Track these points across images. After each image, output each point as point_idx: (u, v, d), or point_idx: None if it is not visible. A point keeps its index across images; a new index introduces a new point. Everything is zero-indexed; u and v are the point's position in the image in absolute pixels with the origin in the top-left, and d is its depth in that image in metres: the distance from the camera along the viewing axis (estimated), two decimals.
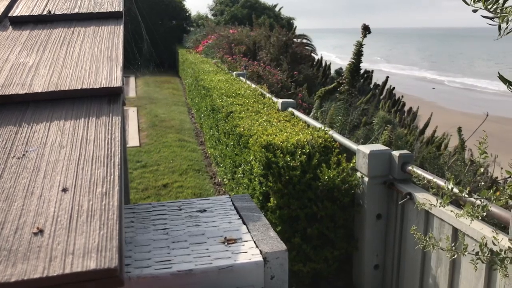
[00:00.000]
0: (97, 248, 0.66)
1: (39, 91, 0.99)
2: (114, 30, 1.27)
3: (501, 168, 3.62)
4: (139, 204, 1.21)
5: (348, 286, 3.20)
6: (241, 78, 7.05)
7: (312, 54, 13.34)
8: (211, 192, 5.33)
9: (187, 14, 20.22)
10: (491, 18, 1.23)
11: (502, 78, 1.36)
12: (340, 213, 2.96)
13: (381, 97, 8.64)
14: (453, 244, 1.90)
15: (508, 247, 1.47)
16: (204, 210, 1.10)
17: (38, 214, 0.73)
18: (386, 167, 2.83)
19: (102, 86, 0.99)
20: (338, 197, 2.92)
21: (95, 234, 0.68)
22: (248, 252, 0.91)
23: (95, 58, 1.11)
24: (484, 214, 1.55)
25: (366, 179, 2.86)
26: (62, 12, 1.37)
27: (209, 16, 21.55)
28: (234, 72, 7.63)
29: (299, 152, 3.00)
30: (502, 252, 1.51)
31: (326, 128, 3.51)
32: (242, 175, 3.77)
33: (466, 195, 1.61)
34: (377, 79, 10.21)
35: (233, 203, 1.14)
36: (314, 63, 12.15)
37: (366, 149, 2.86)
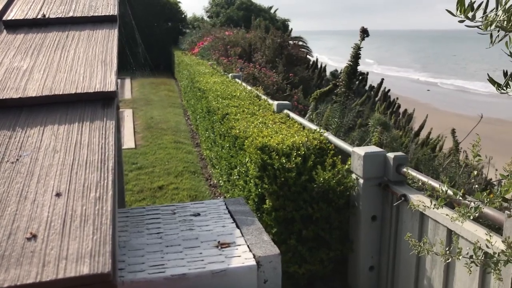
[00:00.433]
0: (91, 253, 0.66)
1: (33, 95, 0.99)
2: (109, 34, 1.27)
3: (496, 170, 3.64)
4: (133, 208, 1.21)
5: (343, 287, 3.21)
6: (236, 80, 7.06)
7: (308, 56, 13.37)
8: (206, 194, 5.33)
9: (183, 16, 20.23)
10: (475, 27, 1.24)
11: (491, 80, 1.37)
12: (335, 215, 2.97)
13: (376, 99, 8.67)
14: (447, 248, 1.90)
15: (502, 250, 1.48)
16: (198, 214, 1.11)
17: (31, 219, 0.73)
18: (381, 169, 2.84)
19: (96, 90, 0.99)
20: (333, 199, 2.93)
21: (88, 239, 0.68)
22: (242, 256, 0.91)
23: (89, 62, 1.11)
24: (477, 215, 1.56)
25: (361, 180, 2.88)
26: (57, 16, 1.37)
27: (205, 18, 21.56)
28: (230, 74, 7.63)
29: (295, 154, 3.01)
30: (496, 255, 1.52)
31: (322, 130, 3.52)
32: (237, 177, 3.78)
33: (460, 197, 1.62)
34: (372, 81, 10.25)
35: (227, 207, 1.15)
36: (310, 65, 12.17)
37: (361, 151, 2.87)
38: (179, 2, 20.48)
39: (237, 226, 1.03)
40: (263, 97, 5.31)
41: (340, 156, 3.13)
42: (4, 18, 1.38)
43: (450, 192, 1.64)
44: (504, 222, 1.93)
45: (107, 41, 1.23)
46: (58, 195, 0.77)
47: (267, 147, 3.08)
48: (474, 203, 1.56)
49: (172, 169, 6.10)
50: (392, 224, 2.83)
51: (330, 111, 4.76)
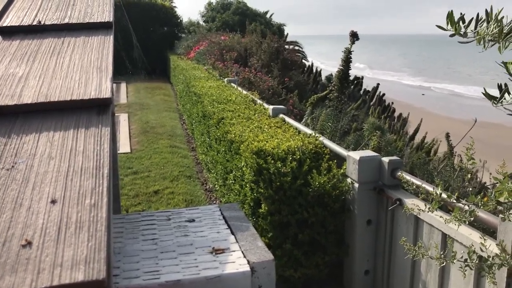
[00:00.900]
0: (85, 260, 0.66)
1: (29, 102, 1.00)
2: (104, 40, 1.27)
3: (490, 174, 3.66)
4: (129, 214, 1.21)
5: None
6: (232, 84, 7.07)
7: (303, 61, 13.42)
8: (202, 199, 5.32)
9: (179, 21, 20.23)
10: (467, 42, 1.26)
11: (487, 95, 1.38)
12: (330, 219, 2.98)
13: (371, 103, 8.71)
14: (442, 252, 1.92)
15: (496, 254, 1.49)
16: (193, 220, 1.11)
17: (26, 226, 0.73)
18: (376, 173, 2.85)
19: (91, 97, 1.00)
20: (328, 203, 2.94)
21: (83, 246, 0.68)
22: (236, 262, 0.92)
23: (84, 68, 1.12)
24: (472, 219, 1.57)
25: (356, 185, 2.89)
26: (53, 23, 1.37)
27: (201, 22, 21.58)
28: (225, 79, 7.65)
29: (290, 158, 3.02)
30: (490, 258, 1.53)
31: (317, 134, 3.54)
32: (233, 181, 3.78)
33: (454, 201, 1.63)
34: (367, 85, 10.29)
35: (221, 213, 1.15)
36: (305, 69, 12.21)
37: (356, 155, 2.88)
38: (175, 7, 20.51)
39: (232, 232, 1.03)
40: (259, 101, 5.32)
41: (335, 161, 3.14)
42: None
43: (444, 195, 1.65)
44: (498, 226, 1.95)
45: (103, 48, 1.23)
46: (53, 202, 0.77)
47: (263, 151, 3.09)
48: (469, 206, 1.58)
49: (167, 173, 6.09)
50: (387, 228, 2.84)
51: (325, 115, 4.78)
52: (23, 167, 0.85)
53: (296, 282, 3.04)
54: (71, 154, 0.88)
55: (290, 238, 2.95)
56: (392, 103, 9.07)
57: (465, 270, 1.59)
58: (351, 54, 4.76)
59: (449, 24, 1.32)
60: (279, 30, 19.53)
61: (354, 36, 4.65)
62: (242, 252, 0.96)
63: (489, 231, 2.25)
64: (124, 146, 7.37)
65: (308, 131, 3.70)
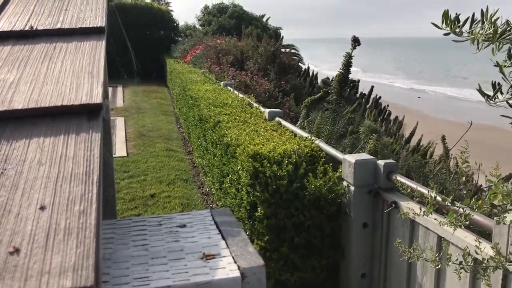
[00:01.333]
0: (74, 267, 0.65)
1: (19, 108, 0.99)
2: (96, 45, 1.27)
3: (485, 176, 3.67)
4: (120, 220, 1.21)
5: None
6: (228, 88, 7.07)
7: (300, 64, 13.44)
8: (198, 202, 5.31)
9: (175, 24, 20.25)
10: (461, 41, 1.27)
11: (481, 91, 1.39)
12: (327, 222, 2.98)
13: (367, 106, 8.73)
14: (437, 254, 1.91)
15: (491, 256, 1.49)
16: (184, 225, 1.11)
17: (14, 233, 0.72)
18: (372, 176, 2.86)
19: (82, 102, 0.99)
20: (325, 206, 2.94)
21: (71, 252, 0.68)
22: (226, 268, 0.91)
23: (76, 74, 1.11)
24: (467, 222, 1.57)
25: (352, 188, 2.89)
26: (45, 28, 1.37)
27: (197, 26, 21.60)
28: (222, 82, 7.65)
29: (286, 161, 3.02)
30: (485, 261, 1.53)
31: (313, 138, 3.54)
32: (229, 184, 3.77)
33: (449, 204, 1.63)
34: (363, 88, 10.32)
35: (213, 218, 1.15)
36: (301, 72, 12.23)
37: (351, 158, 2.89)
38: (172, 10, 20.54)
39: (223, 237, 1.03)
40: (255, 104, 5.32)
41: (331, 164, 3.14)
42: None
43: (439, 198, 1.65)
44: (493, 229, 1.95)
45: (95, 53, 1.23)
46: (42, 208, 0.76)
47: (259, 155, 3.09)
48: (463, 209, 1.58)
49: (164, 177, 6.08)
50: (384, 231, 2.84)
51: (321, 118, 4.79)
52: (12, 173, 0.85)
53: (292, 286, 3.03)
54: (61, 160, 0.87)
55: (286, 241, 2.95)
56: (388, 105, 9.10)
57: (460, 273, 1.58)
58: (352, 58, 4.78)
59: (444, 23, 1.32)
60: (275, 34, 19.56)
61: (356, 41, 4.68)
62: (233, 257, 0.96)
63: (484, 233, 2.26)
64: (120, 149, 7.36)
65: (304, 134, 3.70)
